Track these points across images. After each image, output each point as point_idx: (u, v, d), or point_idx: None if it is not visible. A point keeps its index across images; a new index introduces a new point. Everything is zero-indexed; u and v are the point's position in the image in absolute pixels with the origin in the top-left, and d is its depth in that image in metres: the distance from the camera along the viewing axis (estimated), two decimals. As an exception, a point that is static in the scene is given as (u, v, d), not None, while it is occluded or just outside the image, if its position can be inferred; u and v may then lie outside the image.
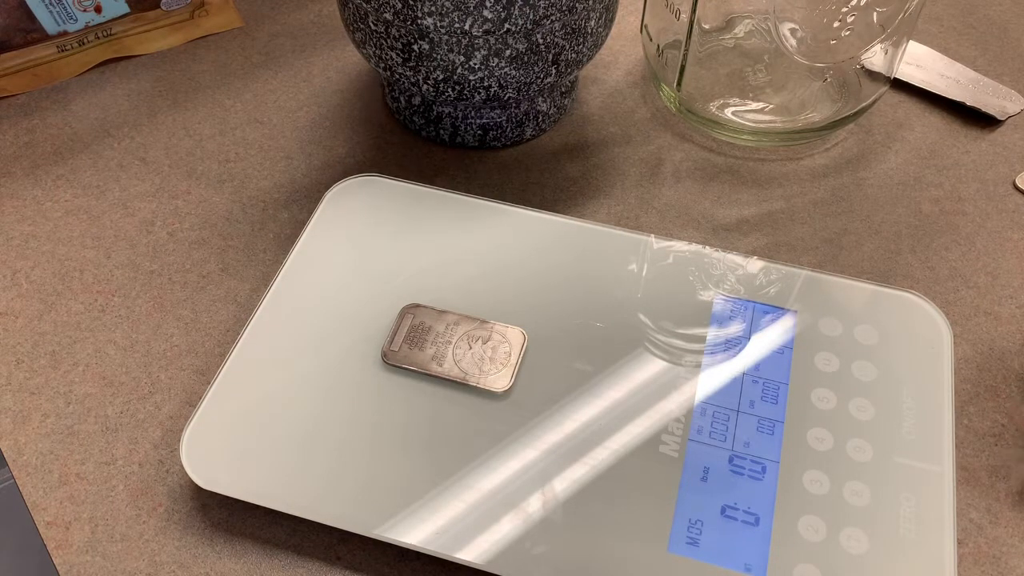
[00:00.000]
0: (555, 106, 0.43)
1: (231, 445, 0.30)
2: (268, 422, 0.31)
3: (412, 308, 0.33)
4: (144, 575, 0.29)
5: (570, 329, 0.33)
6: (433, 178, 0.40)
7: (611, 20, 0.39)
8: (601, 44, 0.40)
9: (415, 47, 0.36)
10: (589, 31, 0.37)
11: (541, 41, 0.36)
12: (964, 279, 0.37)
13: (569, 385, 0.31)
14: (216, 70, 0.47)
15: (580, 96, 0.45)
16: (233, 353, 0.32)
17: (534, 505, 0.28)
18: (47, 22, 0.46)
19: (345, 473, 0.29)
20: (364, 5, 0.36)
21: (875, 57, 0.40)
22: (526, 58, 0.36)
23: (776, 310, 0.33)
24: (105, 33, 0.47)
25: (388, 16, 0.35)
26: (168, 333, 0.36)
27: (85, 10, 0.46)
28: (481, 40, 0.35)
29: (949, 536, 0.27)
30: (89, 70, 0.47)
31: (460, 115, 0.41)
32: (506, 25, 0.34)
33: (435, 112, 0.41)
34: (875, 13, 0.39)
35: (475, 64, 0.36)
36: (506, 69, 0.36)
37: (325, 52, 0.48)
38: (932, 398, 0.31)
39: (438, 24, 0.34)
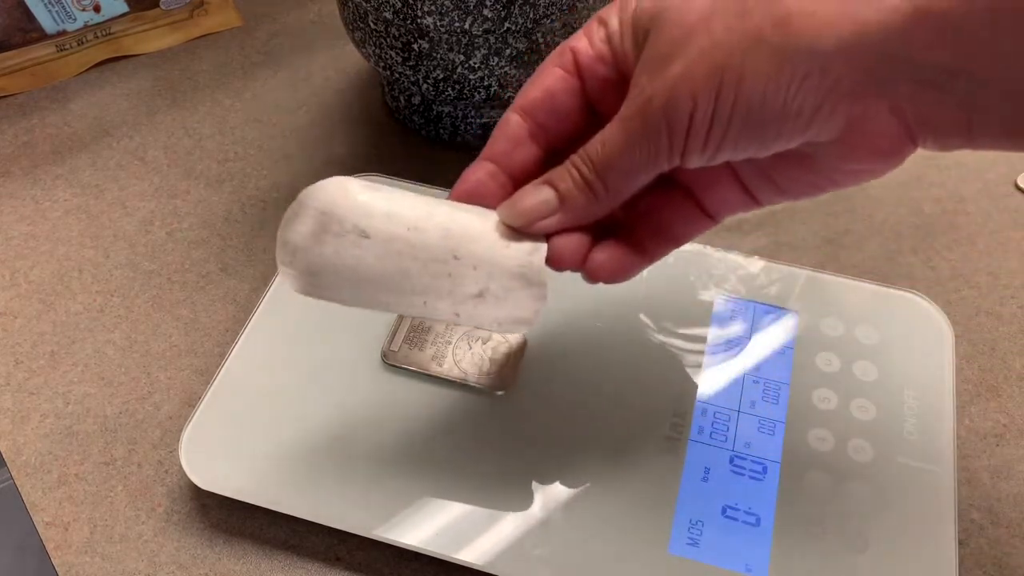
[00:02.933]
0: (555, 105, 0.42)
1: (230, 445, 0.30)
2: (267, 422, 0.30)
3: None
4: (143, 575, 0.29)
5: (570, 329, 0.33)
6: (433, 178, 0.40)
7: (611, 19, 0.39)
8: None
9: (415, 46, 0.36)
10: (589, 30, 0.37)
11: (541, 40, 0.36)
12: (965, 279, 0.37)
13: (569, 385, 0.31)
14: (215, 69, 0.47)
15: (580, 95, 0.45)
16: (232, 353, 0.32)
17: (534, 505, 0.28)
18: (46, 21, 0.45)
19: (345, 473, 0.29)
20: (364, 4, 0.36)
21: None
22: (526, 57, 0.36)
23: (777, 310, 0.33)
24: (104, 32, 0.47)
25: (388, 15, 0.35)
26: (167, 333, 0.36)
27: (84, 9, 0.46)
28: (481, 39, 0.35)
29: (950, 536, 0.27)
30: (88, 69, 0.47)
31: (460, 114, 0.41)
32: (506, 24, 0.34)
33: (435, 111, 0.41)
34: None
35: (475, 63, 0.36)
36: (506, 68, 0.36)
37: (325, 52, 0.48)
38: (933, 398, 0.31)
39: (438, 23, 0.34)
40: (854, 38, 0.19)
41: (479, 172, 0.25)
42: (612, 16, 0.23)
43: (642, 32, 0.22)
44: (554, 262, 0.24)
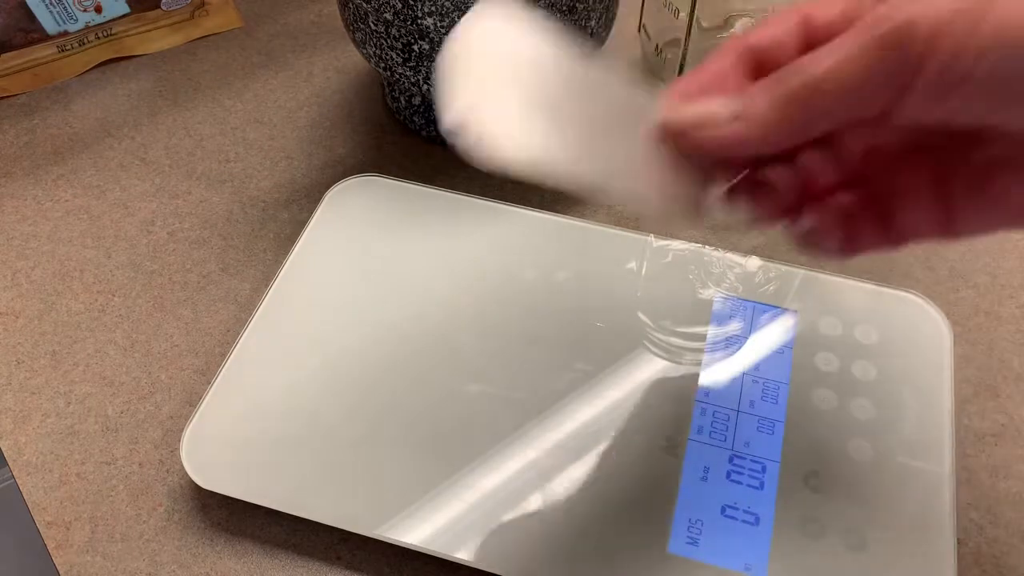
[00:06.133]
0: (555, 106, 0.43)
1: (231, 445, 0.30)
2: (268, 422, 0.31)
3: None
4: (144, 575, 0.29)
5: (570, 329, 0.33)
6: (433, 178, 0.40)
7: (611, 20, 0.39)
8: (601, 44, 0.40)
9: (415, 47, 0.36)
10: (589, 31, 0.37)
11: (541, 41, 0.36)
12: (964, 279, 0.37)
13: (569, 385, 0.31)
14: (216, 70, 0.47)
15: (580, 96, 0.45)
16: (233, 353, 0.32)
17: (534, 505, 0.28)
18: (47, 22, 0.46)
19: (345, 473, 0.29)
20: (364, 5, 0.36)
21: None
22: (526, 58, 0.36)
23: (776, 309, 0.33)
24: (105, 33, 0.47)
25: (388, 16, 0.35)
26: (168, 333, 0.36)
27: (85, 10, 0.46)
28: (481, 40, 0.35)
29: (949, 536, 0.27)
30: (89, 70, 0.47)
31: (460, 115, 0.41)
32: (506, 25, 0.34)
33: (435, 112, 0.41)
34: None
35: (475, 64, 0.36)
36: (506, 69, 0.36)
37: (325, 52, 0.48)
38: (932, 398, 0.31)
39: (438, 24, 0.34)
40: None
41: (688, 86, 0.22)
42: None
43: None
44: (755, 210, 0.22)
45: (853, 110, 0.20)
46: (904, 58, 0.18)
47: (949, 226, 0.22)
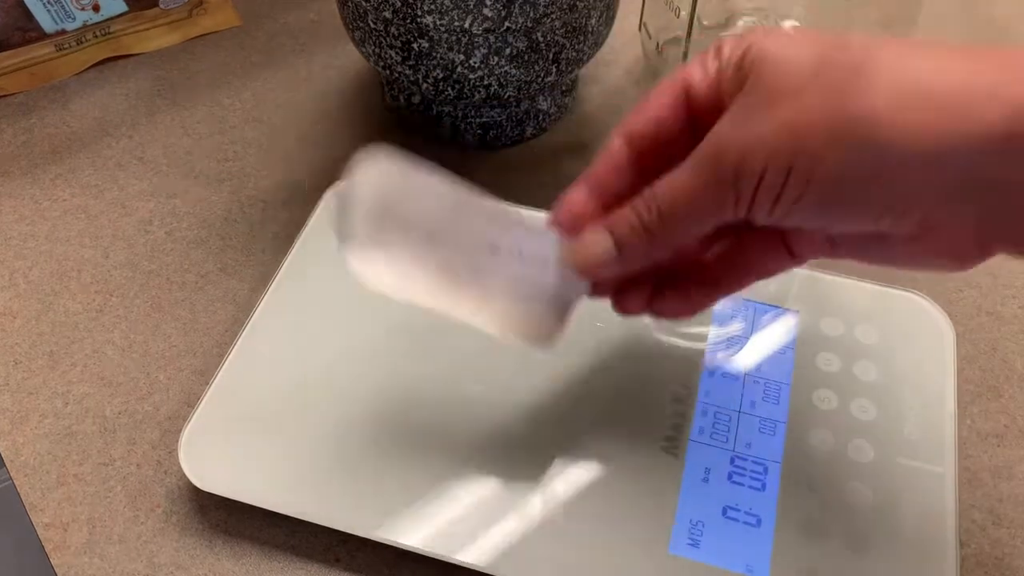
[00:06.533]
0: (555, 105, 0.42)
1: (230, 446, 0.30)
2: (267, 423, 0.30)
3: None
4: (142, 577, 0.29)
5: (570, 328, 0.33)
6: (433, 177, 0.40)
7: (612, 18, 0.39)
8: (602, 42, 0.40)
9: (415, 45, 0.36)
10: (590, 29, 0.37)
11: (541, 39, 0.36)
12: (966, 279, 0.37)
13: (569, 385, 0.31)
14: (215, 69, 0.47)
15: (580, 94, 0.45)
16: (232, 353, 0.32)
17: (534, 506, 0.28)
18: (45, 21, 0.45)
19: (344, 474, 0.29)
20: (364, 3, 0.36)
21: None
22: (526, 56, 0.36)
23: (777, 310, 0.33)
24: (103, 32, 0.47)
25: (387, 14, 0.35)
26: (166, 333, 0.36)
27: (83, 9, 0.46)
28: (481, 38, 0.35)
29: (952, 537, 0.27)
30: (87, 69, 0.47)
31: (460, 114, 0.41)
32: (506, 23, 0.34)
33: (435, 111, 0.41)
34: (876, 11, 0.39)
35: (475, 63, 0.36)
36: (506, 68, 0.36)
37: (324, 51, 0.48)
38: (934, 398, 0.30)
39: (438, 22, 0.34)
40: (941, 153, 0.19)
41: (579, 197, 0.25)
42: (727, 48, 0.23)
43: (744, 73, 0.21)
44: (620, 312, 0.26)
45: (708, 226, 0.23)
46: (739, 191, 0.21)
47: (832, 251, 0.24)
